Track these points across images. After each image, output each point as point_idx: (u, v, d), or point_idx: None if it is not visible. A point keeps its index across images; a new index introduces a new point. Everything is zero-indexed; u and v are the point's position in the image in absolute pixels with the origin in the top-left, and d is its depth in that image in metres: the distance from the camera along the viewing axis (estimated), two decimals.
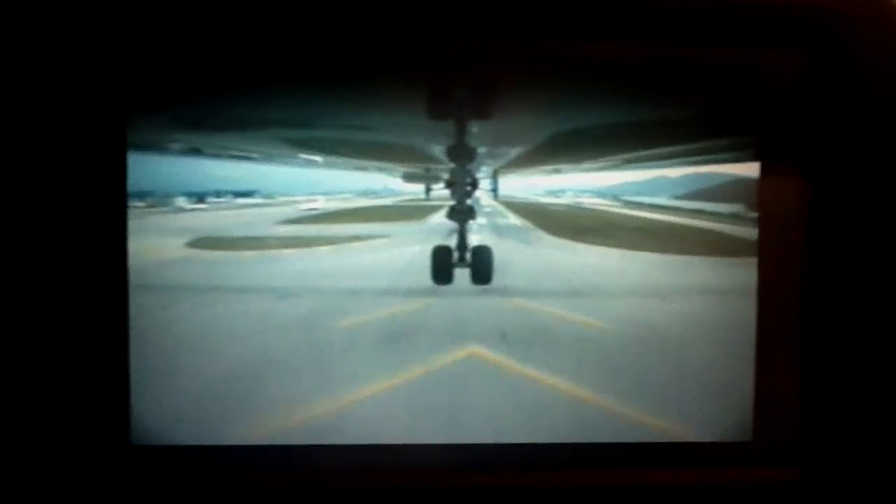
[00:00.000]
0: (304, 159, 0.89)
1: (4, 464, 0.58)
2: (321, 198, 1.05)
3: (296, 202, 1.09)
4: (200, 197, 0.92)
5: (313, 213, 1.09)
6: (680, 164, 0.85)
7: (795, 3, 0.57)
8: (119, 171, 0.60)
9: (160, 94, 0.63)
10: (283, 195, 1.03)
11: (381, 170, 1.00)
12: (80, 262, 0.60)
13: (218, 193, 0.95)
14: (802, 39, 0.59)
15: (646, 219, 0.99)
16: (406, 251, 1.12)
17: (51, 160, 0.58)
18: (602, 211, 1.05)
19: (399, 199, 1.10)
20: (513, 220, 1.20)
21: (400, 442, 0.65)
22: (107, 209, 0.61)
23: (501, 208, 1.12)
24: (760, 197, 0.64)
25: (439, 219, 1.04)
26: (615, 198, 1.00)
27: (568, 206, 1.04)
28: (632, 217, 1.02)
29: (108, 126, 0.60)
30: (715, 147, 0.73)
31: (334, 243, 1.22)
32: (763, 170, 0.64)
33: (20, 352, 0.57)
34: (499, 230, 1.11)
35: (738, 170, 0.68)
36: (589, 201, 1.03)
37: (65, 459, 0.60)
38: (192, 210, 0.91)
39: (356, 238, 1.24)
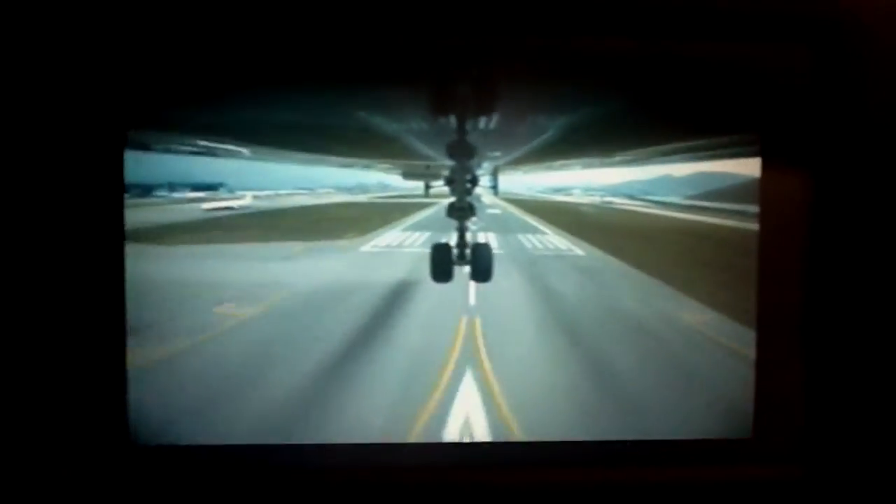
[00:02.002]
0: (301, 157, 0.90)
1: (3, 464, 0.60)
2: (248, 194, 0.93)
3: (203, 201, 0.91)
4: (146, 190, 0.87)
5: (205, 216, 0.92)
6: (682, 161, 0.84)
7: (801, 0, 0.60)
8: (116, 167, 0.63)
9: (159, 91, 0.65)
10: (255, 190, 0.94)
11: (380, 167, 1.01)
12: (77, 262, 0.62)
13: (171, 186, 0.89)
14: (808, 36, 0.62)
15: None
16: None
17: (47, 159, 0.60)
18: (659, 216, 0.88)
19: (378, 195, 1.02)
20: (553, 238, 0.91)
21: (412, 441, 0.68)
22: (103, 208, 0.63)
23: (517, 212, 0.95)
24: (762, 193, 0.67)
25: (395, 235, 0.87)
26: (632, 197, 0.95)
27: (598, 207, 0.97)
28: (730, 227, 0.81)
29: (105, 123, 0.62)
30: (718, 143, 0.74)
31: None
32: (765, 166, 0.67)
33: (17, 352, 0.60)
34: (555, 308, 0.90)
35: (740, 168, 0.69)
36: (616, 201, 0.95)
37: (64, 459, 0.62)
38: None
39: None
